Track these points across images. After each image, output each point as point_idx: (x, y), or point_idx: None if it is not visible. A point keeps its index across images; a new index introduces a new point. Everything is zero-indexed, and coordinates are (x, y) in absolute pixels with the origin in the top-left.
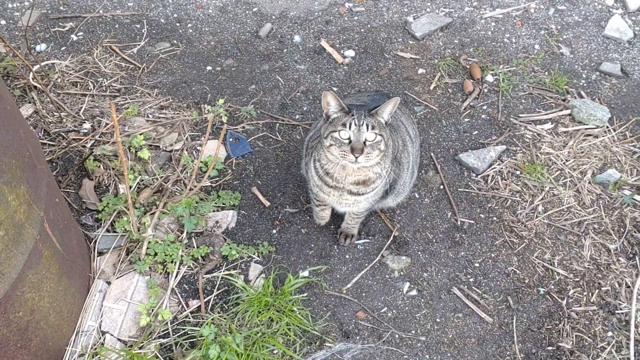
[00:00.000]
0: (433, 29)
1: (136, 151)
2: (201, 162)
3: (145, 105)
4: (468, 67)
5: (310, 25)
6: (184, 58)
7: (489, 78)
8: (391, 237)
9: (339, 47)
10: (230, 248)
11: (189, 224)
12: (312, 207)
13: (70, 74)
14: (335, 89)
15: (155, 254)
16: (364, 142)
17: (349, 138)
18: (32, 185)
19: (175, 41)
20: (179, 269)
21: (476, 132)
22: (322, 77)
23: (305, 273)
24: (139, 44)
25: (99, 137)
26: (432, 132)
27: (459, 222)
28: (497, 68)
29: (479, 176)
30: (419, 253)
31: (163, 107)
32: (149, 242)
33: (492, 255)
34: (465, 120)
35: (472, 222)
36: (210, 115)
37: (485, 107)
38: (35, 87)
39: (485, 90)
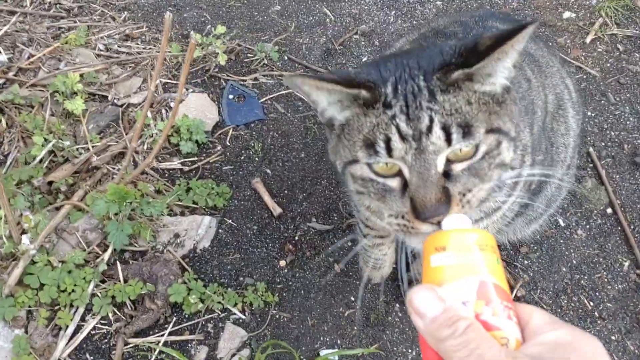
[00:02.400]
0: None
1: (64, 100)
2: (172, 125)
3: (103, 32)
4: None
5: None
6: None
7: None
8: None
9: None
10: (188, 289)
11: (118, 234)
12: (358, 237)
13: None
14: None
15: (41, 287)
16: (447, 173)
17: (399, 175)
18: None
19: None
20: (82, 321)
21: None
22: (399, 15)
23: (332, 354)
24: None
25: (15, 74)
26: (590, 112)
27: None
28: None
29: None
30: None
31: (129, 37)
32: (33, 262)
33: None
34: None
35: None
36: (194, 47)
37: None
38: None
39: None
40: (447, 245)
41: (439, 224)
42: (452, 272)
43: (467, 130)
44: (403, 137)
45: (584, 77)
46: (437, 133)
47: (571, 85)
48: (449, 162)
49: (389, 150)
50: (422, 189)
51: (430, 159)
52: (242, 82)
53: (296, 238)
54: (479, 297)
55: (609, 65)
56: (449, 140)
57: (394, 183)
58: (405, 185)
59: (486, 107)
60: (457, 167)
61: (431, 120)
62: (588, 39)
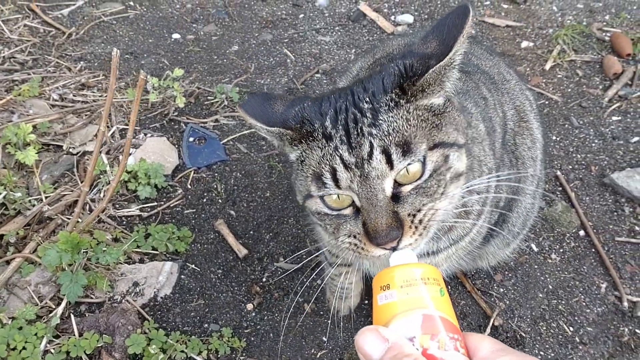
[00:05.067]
0: None
1: (16, 151)
2: (127, 171)
3: (58, 82)
4: (607, 39)
5: None
6: (140, 22)
7: None
8: (488, 328)
9: (389, 11)
10: (148, 339)
11: (72, 286)
12: (325, 267)
13: None
14: (369, 61)
15: None
16: (396, 195)
17: (352, 205)
18: None
19: (131, 2)
20: None
21: (637, 138)
22: (360, 53)
23: None
24: (74, 4)
25: None
26: (554, 137)
27: (625, 303)
28: None
29: None
30: None
31: (85, 86)
32: None
33: None
34: (614, 118)
35: None
36: (152, 95)
37: None
38: None
39: None
40: (391, 283)
41: (393, 249)
42: (398, 309)
43: (406, 148)
44: (347, 166)
45: (547, 102)
46: (378, 157)
47: (532, 97)
48: (399, 185)
49: (336, 181)
50: (373, 213)
51: (376, 183)
52: (202, 125)
53: (264, 279)
54: (424, 331)
55: (569, 90)
56: (390, 162)
57: (348, 211)
58: (358, 210)
59: (425, 124)
60: (406, 189)
61: (371, 145)
62: (547, 66)
